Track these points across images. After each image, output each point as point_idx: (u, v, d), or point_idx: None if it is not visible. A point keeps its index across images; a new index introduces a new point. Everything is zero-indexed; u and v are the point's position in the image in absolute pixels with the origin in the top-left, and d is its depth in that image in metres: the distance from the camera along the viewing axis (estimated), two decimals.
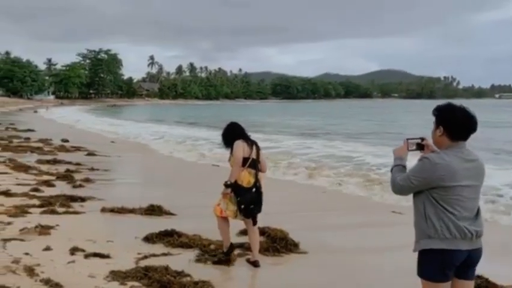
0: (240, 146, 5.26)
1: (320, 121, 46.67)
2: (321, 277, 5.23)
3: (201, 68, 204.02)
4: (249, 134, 5.51)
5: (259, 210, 5.36)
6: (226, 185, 5.23)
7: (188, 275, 4.92)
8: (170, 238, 6.19)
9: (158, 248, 5.93)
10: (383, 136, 28.26)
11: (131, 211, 7.81)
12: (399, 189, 3.08)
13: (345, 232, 7.25)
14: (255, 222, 5.40)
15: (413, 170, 3.02)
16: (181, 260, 5.43)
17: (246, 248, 6.00)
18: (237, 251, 5.86)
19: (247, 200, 5.22)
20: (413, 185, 2.99)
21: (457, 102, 3.12)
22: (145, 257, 5.51)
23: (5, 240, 5.78)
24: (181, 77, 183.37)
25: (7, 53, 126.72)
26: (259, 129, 28.20)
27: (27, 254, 5.29)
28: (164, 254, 5.65)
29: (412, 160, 3.16)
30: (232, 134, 5.42)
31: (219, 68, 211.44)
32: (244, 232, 6.66)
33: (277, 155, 15.93)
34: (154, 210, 7.79)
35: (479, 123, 3.01)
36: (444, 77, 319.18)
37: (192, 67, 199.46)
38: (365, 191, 10.78)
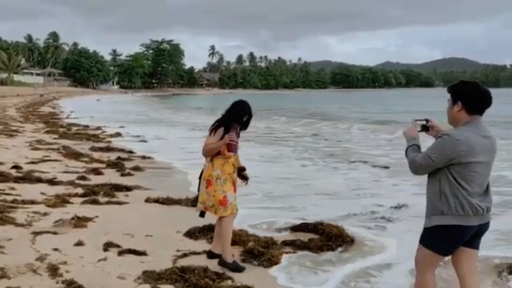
0: None
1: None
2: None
3: (261, 57, 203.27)
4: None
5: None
6: None
7: (230, 278, 4.33)
8: (214, 233, 5.61)
9: (201, 244, 5.38)
10: None
11: (177, 202, 7.31)
12: (418, 168, 3.10)
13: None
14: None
15: (433, 147, 3.06)
16: None
17: (296, 246, 5.34)
18: (286, 249, 5.22)
19: None
20: (433, 163, 3.02)
21: None
22: (184, 254, 4.97)
23: (36, 233, 5.38)
24: (241, 67, 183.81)
25: (74, 44, 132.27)
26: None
27: (56, 249, 4.85)
28: (206, 252, 5.07)
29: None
30: None
31: (279, 58, 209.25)
32: (294, 228, 6.00)
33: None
34: None
35: None
36: (511, 65, 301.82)
37: (251, 57, 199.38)
38: None
